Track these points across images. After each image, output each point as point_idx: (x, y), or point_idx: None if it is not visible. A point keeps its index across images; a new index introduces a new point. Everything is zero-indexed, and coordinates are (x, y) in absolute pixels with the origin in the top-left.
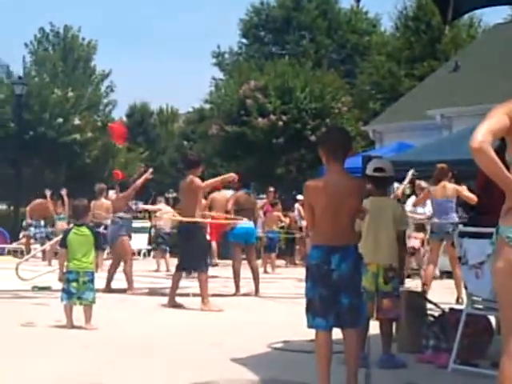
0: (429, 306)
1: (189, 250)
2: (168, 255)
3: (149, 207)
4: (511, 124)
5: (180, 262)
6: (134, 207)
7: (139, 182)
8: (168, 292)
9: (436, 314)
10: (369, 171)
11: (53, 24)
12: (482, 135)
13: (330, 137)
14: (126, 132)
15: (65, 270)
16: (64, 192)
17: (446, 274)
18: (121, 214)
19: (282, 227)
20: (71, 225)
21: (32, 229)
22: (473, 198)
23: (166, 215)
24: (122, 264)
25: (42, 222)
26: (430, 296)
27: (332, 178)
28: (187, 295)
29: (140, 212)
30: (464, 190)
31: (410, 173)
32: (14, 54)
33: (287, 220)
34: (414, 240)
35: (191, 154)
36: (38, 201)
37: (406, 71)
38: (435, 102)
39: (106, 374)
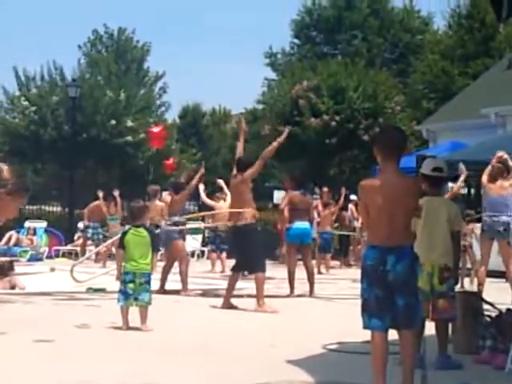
0: (485, 306)
1: (244, 250)
2: (224, 255)
3: (208, 201)
4: None
5: (236, 264)
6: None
7: (194, 181)
8: (222, 293)
9: (493, 314)
10: (426, 170)
11: (107, 26)
12: None
13: (385, 136)
14: (165, 135)
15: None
16: (116, 193)
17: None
18: (175, 219)
19: (336, 228)
20: (125, 226)
21: (90, 230)
22: None
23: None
24: (176, 265)
25: (99, 224)
26: (485, 296)
27: (387, 177)
28: (241, 296)
29: (192, 213)
30: None
31: (461, 166)
32: (67, 56)
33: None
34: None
35: (244, 156)
36: (96, 203)
37: (459, 70)
38: (489, 101)
39: (161, 375)
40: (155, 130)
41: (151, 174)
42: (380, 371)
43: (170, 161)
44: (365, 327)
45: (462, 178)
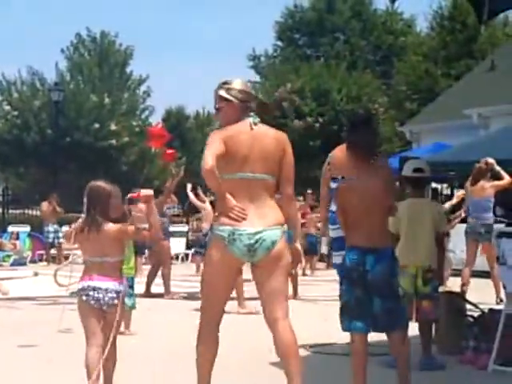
0: (468, 306)
1: None
2: None
3: (197, 202)
4: (225, 148)
5: None
6: (168, 211)
7: (171, 185)
8: None
9: (475, 314)
10: (407, 172)
11: (89, 29)
12: (212, 160)
13: (355, 136)
14: (166, 135)
15: None
16: None
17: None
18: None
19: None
20: None
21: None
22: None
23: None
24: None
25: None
26: (468, 296)
27: (361, 177)
28: None
29: (177, 216)
30: (501, 181)
31: (457, 193)
32: (48, 61)
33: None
34: None
35: None
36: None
37: (442, 71)
38: (472, 102)
39: (147, 380)
40: (155, 128)
41: (143, 175)
42: (360, 373)
43: (171, 151)
44: (344, 330)
45: (454, 201)
